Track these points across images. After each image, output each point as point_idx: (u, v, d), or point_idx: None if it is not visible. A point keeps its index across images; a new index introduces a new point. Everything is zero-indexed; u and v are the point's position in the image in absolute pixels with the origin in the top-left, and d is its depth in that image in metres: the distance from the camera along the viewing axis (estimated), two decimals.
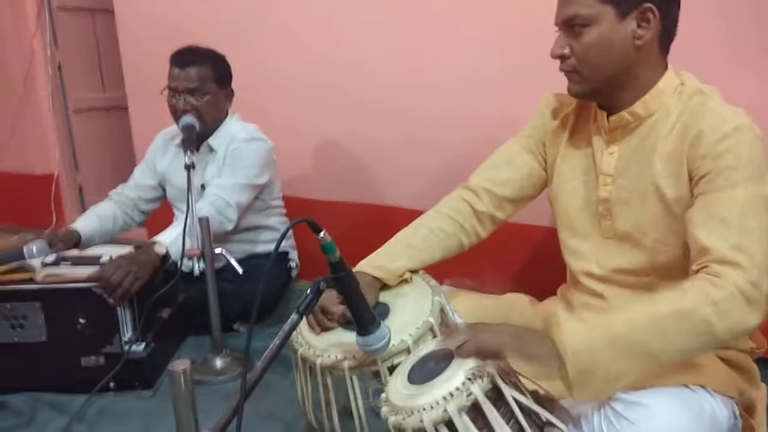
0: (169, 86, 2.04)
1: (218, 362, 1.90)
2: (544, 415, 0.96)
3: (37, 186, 3.58)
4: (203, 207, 1.89)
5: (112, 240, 2.18)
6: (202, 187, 2.08)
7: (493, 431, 0.90)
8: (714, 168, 1.05)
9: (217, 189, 2.01)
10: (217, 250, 1.82)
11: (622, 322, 0.96)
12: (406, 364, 1.05)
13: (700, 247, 1.02)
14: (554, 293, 1.46)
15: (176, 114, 2.03)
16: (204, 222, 1.76)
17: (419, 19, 2.17)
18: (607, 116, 1.22)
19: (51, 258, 1.80)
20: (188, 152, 1.80)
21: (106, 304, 1.68)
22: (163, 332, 1.89)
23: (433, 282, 1.30)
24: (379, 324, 1.07)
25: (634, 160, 1.19)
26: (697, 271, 1.01)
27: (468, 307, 1.35)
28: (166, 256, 1.81)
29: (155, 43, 2.56)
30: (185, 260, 1.72)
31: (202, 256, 1.74)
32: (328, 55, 2.40)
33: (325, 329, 1.22)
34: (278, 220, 2.34)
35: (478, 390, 0.90)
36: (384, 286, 1.29)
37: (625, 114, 1.19)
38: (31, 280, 1.71)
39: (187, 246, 1.72)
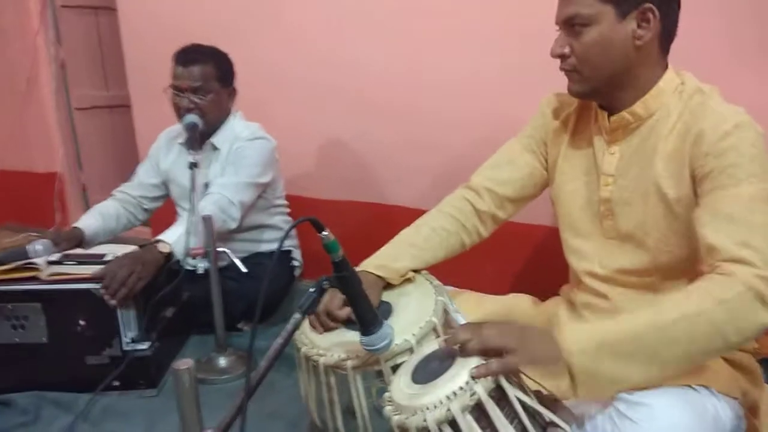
0: (172, 85, 2.04)
1: (222, 361, 1.90)
2: (548, 415, 0.96)
3: (41, 184, 3.59)
4: (206, 205, 1.89)
5: (115, 239, 2.19)
6: (206, 185, 2.08)
7: (497, 431, 0.90)
8: (717, 166, 1.05)
9: (220, 187, 2.01)
10: (221, 249, 1.83)
11: (628, 330, 0.95)
12: (410, 363, 1.05)
13: (708, 246, 1.01)
14: (556, 293, 1.46)
15: (179, 112, 2.04)
16: (208, 221, 1.76)
17: (423, 18, 2.17)
18: (608, 116, 1.22)
19: (55, 256, 1.81)
20: (191, 151, 1.80)
21: (107, 306, 1.68)
22: (167, 331, 1.90)
23: (436, 282, 1.30)
24: (382, 323, 1.07)
25: (635, 160, 1.19)
26: (705, 273, 1.00)
27: (470, 307, 1.35)
28: (169, 255, 1.81)
29: (158, 41, 2.56)
30: (189, 259, 1.72)
31: (205, 254, 1.74)
32: (331, 54, 2.40)
33: (327, 330, 1.22)
34: (281, 219, 2.34)
35: (481, 389, 0.90)
36: (387, 285, 1.29)
37: (625, 114, 1.19)
38: (35, 279, 1.72)
39: (191, 245, 1.72)
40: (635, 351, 0.94)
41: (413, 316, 1.19)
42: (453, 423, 0.89)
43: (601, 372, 0.93)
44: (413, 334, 1.13)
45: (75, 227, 2.04)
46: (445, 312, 1.21)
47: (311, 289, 1.04)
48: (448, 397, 0.90)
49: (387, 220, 2.31)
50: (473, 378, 0.90)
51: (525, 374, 1.03)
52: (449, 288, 1.36)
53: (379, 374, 1.14)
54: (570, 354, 0.92)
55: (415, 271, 1.33)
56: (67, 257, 1.83)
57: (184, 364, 0.98)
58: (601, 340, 0.94)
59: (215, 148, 2.13)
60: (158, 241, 1.83)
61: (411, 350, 1.11)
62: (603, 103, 1.24)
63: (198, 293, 1.97)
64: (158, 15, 2.83)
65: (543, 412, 0.96)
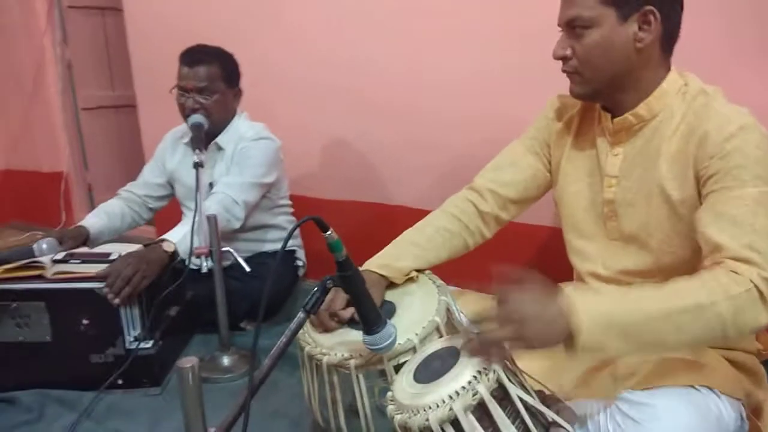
0: (178, 85, 2.05)
1: (225, 360, 1.91)
2: (550, 415, 0.96)
3: (47, 184, 3.61)
4: (211, 205, 1.90)
5: (120, 238, 2.19)
6: (210, 185, 2.09)
7: (499, 430, 0.90)
8: (722, 168, 1.05)
9: (224, 187, 2.02)
10: (225, 248, 1.83)
11: (640, 312, 0.95)
12: (412, 362, 1.05)
13: (712, 245, 1.02)
14: None
15: (185, 113, 2.04)
16: (212, 220, 1.76)
17: (424, 18, 2.18)
18: (611, 118, 1.22)
19: (61, 255, 1.82)
20: (197, 151, 1.81)
21: (110, 305, 1.68)
22: (171, 330, 1.90)
23: (439, 281, 1.30)
24: (386, 323, 1.07)
25: (639, 162, 1.19)
26: (710, 266, 1.00)
27: (474, 307, 1.35)
28: (174, 254, 1.82)
29: (164, 41, 2.57)
30: (193, 258, 1.73)
31: (210, 254, 1.75)
32: (335, 54, 2.41)
33: (327, 331, 1.23)
34: (285, 219, 2.35)
35: (483, 389, 0.90)
36: (390, 285, 1.30)
37: (629, 116, 1.19)
38: (41, 278, 1.72)
39: (195, 244, 1.73)
40: (643, 333, 0.94)
41: (416, 315, 1.19)
42: (455, 422, 0.90)
43: (605, 348, 0.93)
44: (416, 334, 1.13)
45: (80, 226, 2.04)
46: (448, 312, 1.21)
47: (315, 289, 1.04)
48: (450, 397, 0.90)
49: (389, 220, 2.31)
50: (475, 377, 0.90)
51: (528, 374, 1.03)
52: (452, 288, 1.36)
53: (382, 373, 1.14)
54: (579, 331, 0.92)
55: (419, 271, 1.33)
56: (72, 256, 1.84)
57: (188, 362, 0.99)
58: (611, 319, 0.94)
59: (220, 148, 2.14)
60: (163, 240, 1.84)
61: (414, 349, 1.11)
62: (606, 105, 1.24)
63: (202, 292, 1.97)
64: (164, 15, 2.84)
65: (545, 412, 0.96)
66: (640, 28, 1.12)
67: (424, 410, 0.91)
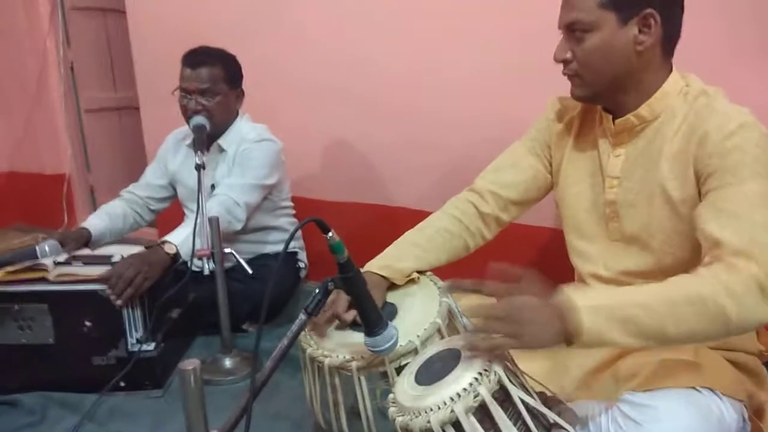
0: (180, 87, 2.05)
1: (227, 362, 1.91)
2: (551, 416, 0.96)
3: (49, 186, 3.62)
4: (213, 207, 1.90)
5: (122, 239, 2.20)
6: (212, 187, 2.09)
7: None
8: (722, 165, 1.06)
9: (226, 189, 2.02)
10: (227, 250, 1.83)
11: (638, 303, 0.95)
12: (414, 364, 1.05)
13: (712, 240, 1.01)
14: None
15: (187, 114, 2.05)
16: (214, 222, 1.77)
17: (427, 19, 2.18)
18: (613, 119, 1.22)
19: (63, 257, 1.82)
20: (199, 152, 1.81)
21: (113, 307, 1.68)
22: (173, 332, 1.90)
23: (440, 283, 1.30)
24: (387, 325, 1.07)
25: (641, 162, 1.19)
26: (710, 262, 1.00)
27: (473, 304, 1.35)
28: (176, 256, 1.82)
29: (167, 43, 2.58)
30: (195, 260, 1.73)
31: (211, 255, 1.75)
32: (337, 56, 2.41)
33: (320, 336, 1.23)
34: (287, 221, 2.35)
35: (485, 391, 0.90)
36: (392, 286, 1.30)
37: (630, 117, 1.19)
38: (43, 280, 1.73)
39: (197, 246, 1.73)
40: (643, 322, 0.94)
41: (418, 317, 1.19)
42: (457, 424, 0.90)
43: (606, 337, 0.94)
44: (418, 336, 1.13)
45: (82, 227, 2.05)
46: (450, 313, 1.21)
47: (317, 291, 1.05)
48: (452, 399, 0.90)
49: (391, 222, 2.32)
50: (477, 379, 0.91)
51: (529, 375, 1.03)
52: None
53: (384, 375, 1.14)
54: (580, 323, 0.92)
55: (420, 272, 1.33)
56: (75, 258, 1.84)
57: (190, 364, 0.99)
58: (612, 310, 0.94)
59: (222, 150, 2.14)
60: (165, 242, 1.84)
61: (415, 351, 1.12)
62: (607, 107, 1.24)
63: (204, 294, 1.98)
64: (167, 17, 2.85)
65: (546, 413, 0.96)
66: (640, 31, 1.12)
67: (426, 412, 0.91)
